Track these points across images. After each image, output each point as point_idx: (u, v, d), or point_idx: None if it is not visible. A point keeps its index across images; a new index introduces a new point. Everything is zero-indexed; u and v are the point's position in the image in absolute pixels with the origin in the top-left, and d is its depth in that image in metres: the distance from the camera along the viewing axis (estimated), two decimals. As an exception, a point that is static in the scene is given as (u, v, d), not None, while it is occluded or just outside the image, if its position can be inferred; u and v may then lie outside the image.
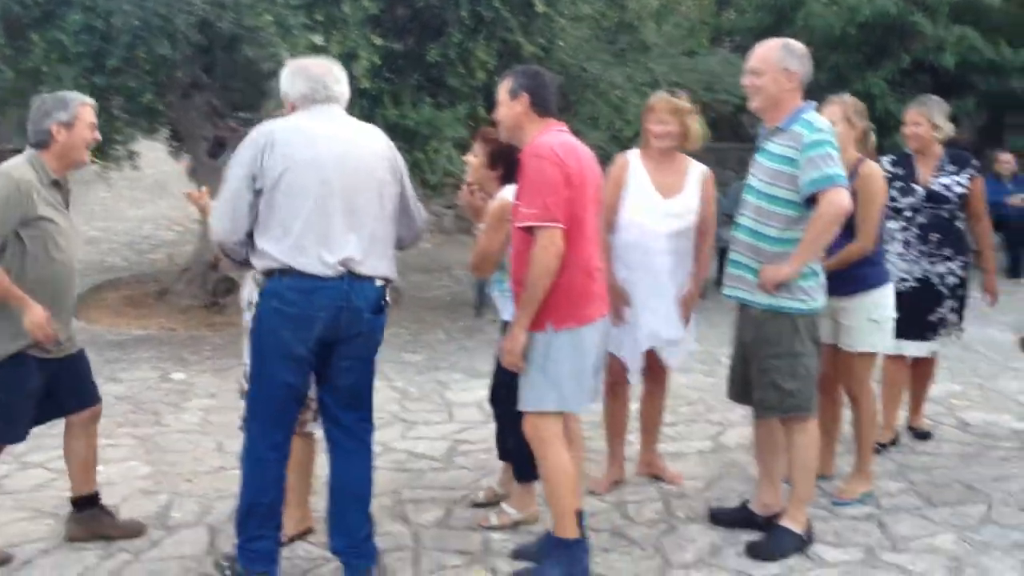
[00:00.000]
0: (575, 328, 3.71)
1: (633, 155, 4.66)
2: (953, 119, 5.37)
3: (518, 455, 4.25)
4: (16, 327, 3.88)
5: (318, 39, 7.31)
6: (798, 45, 4.02)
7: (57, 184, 4.01)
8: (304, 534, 4.22)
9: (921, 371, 5.47)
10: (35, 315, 3.85)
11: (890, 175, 5.04)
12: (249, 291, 4.12)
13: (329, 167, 3.58)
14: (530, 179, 3.64)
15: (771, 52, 3.97)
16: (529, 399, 3.78)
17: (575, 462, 3.86)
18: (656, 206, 4.55)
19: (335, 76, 3.75)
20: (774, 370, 3.97)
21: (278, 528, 3.73)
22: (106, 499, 4.61)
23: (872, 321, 4.48)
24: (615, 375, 4.73)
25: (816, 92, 4.22)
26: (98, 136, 4.10)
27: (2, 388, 3.90)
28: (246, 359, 4.09)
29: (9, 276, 3.82)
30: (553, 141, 3.70)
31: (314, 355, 3.63)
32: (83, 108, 4.02)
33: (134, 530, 4.31)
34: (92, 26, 7.97)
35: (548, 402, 3.74)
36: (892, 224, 5.08)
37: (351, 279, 3.61)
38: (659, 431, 4.97)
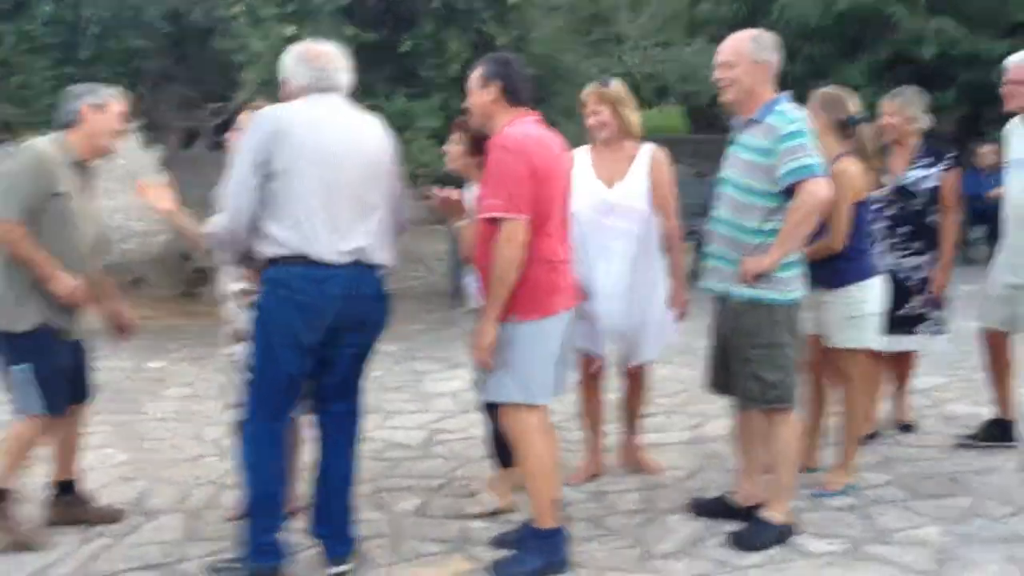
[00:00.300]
0: (538, 320, 3.71)
1: (581, 151, 4.65)
2: (934, 111, 5.37)
3: (495, 441, 4.25)
4: (42, 301, 3.95)
5: (290, 30, 7.29)
6: (768, 36, 4.02)
7: (80, 166, 4.07)
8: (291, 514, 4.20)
9: (901, 365, 5.46)
10: (64, 281, 3.93)
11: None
12: (224, 283, 4.10)
13: (339, 157, 3.58)
14: (495, 170, 3.64)
15: (742, 44, 3.97)
16: (493, 390, 3.79)
17: (551, 452, 3.86)
18: (598, 196, 4.55)
19: (339, 64, 3.73)
20: (755, 361, 3.99)
21: (284, 519, 3.72)
22: (85, 485, 4.59)
23: (849, 318, 4.48)
24: (588, 367, 4.74)
25: (792, 84, 4.23)
26: (124, 128, 4.16)
27: (37, 359, 3.97)
28: (228, 350, 4.08)
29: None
30: (519, 132, 3.69)
31: (320, 343, 3.62)
32: (115, 100, 4.13)
33: (112, 516, 4.32)
34: (62, 17, 7.91)
35: (513, 394, 3.74)
36: None
37: (361, 267, 3.61)
38: (639, 422, 4.98)
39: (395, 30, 7.80)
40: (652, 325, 4.64)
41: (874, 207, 4.98)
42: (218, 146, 9.48)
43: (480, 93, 3.79)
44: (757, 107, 3.96)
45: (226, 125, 9.55)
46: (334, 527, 3.78)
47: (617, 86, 4.61)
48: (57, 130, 4.11)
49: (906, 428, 5.47)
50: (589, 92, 4.62)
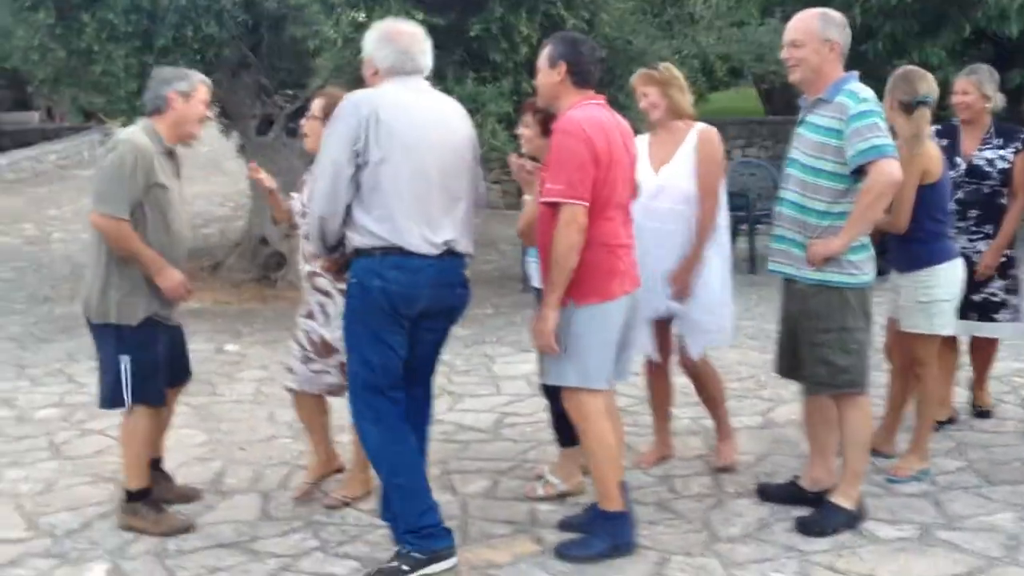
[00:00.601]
0: (597, 304, 3.70)
1: (642, 137, 4.61)
2: (1017, 90, 5.20)
3: (559, 421, 4.28)
4: (149, 293, 4.05)
5: (361, 16, 7.35)
6: (836, 14, 3.96)
7: (171, 153, 4.15)
8: (330, 474, 4.44)
9: (981, 351, 5.32)
10: (171, 276, 4.04)
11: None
12: (301, 264, 4.20)
13: (431, 145, 3.56)
14: (557, 155, 3.63)
15: (810, 23, 3.91)
16: (551, 373, 3.80)
17: (616, 435, 3.87)
18: (646, 180, 4.48)
19: (422, 46, 3.68)
20: (824, 345, 3.93)
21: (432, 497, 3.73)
22: (164, 465, 4.73)
23: (919, 303, 4.39)
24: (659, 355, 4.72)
25: (872, 62, 4.14)
26: (210, 114, 4.21)
27: (142, 351, 4.05)
28: (306, 322, 4.25)
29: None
30: (582, 116, 3.66)
31: (408, 329, 3.63)
32: (202, 85, 4.16)
33: (191, 495, 4.43)
34: (140, 6, 8.09)
35: (571, 378, 3.75)
36: None
37: (450, 258, 3.62)
38: (719, 412, 4.85)
39: (464, 14, 7.81)
40: (704, 309, 4.52)
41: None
42: (292, 133, 9.63)
43: (547, 73, 3.78)
44: (826, 86, 3.90)
45: (300, 112, 9.73)
46: None
47: (665, 68, 4.55)
48: (144, 116, 4.15)
49: (983, 414, 5.34)
50: (636, 76, 4.61)
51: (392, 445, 3.63)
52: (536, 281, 4.24)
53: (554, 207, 3.63)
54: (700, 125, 4.53)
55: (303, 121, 4.36)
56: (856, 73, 3.94)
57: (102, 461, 4.85)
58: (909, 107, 4.34)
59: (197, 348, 7.00)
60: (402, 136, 3.49)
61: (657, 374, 4.81)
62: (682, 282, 4.45)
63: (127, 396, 4.04)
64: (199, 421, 5.52)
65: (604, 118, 3.74)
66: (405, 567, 3.60)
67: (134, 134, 4.03)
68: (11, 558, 3.89)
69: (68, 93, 9.75)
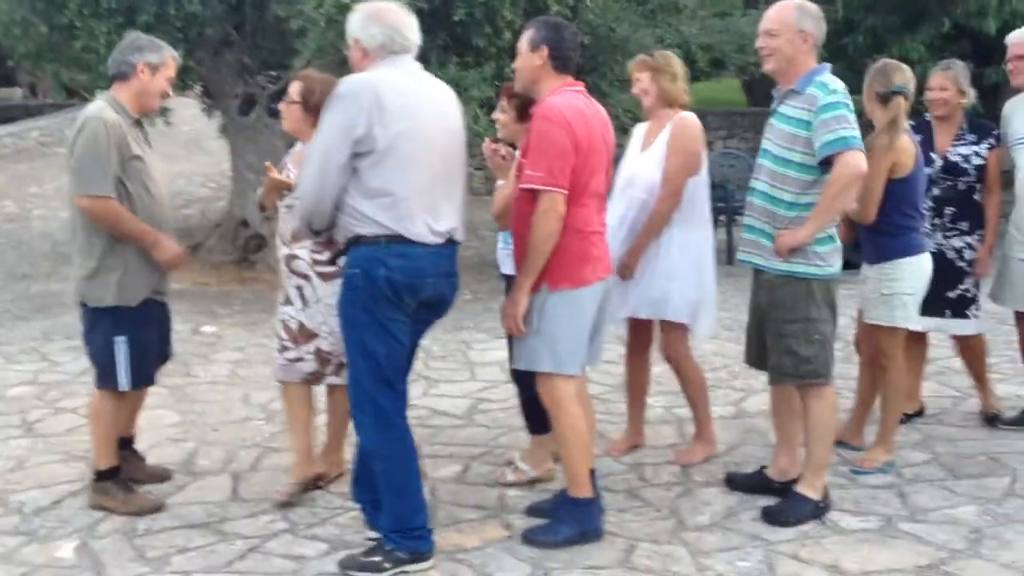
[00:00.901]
0: (570, 289, 3.73)
1: (641, 125, 4.69)
2: (995, 87, 5.24)
3: (529, 408, 4.30)
4: (147, 272, 4.04)
5: (344, -2, 7.31)
6: (812, 6, 3.98)
7: (139, 123, 4.12)
8: (318, 479, 4.30)
9: (970, 350, 5.24)
10: (167, 247, 4.02)
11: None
12: (278, 247, 4.19)
13: (431, 133, 3.50)
14: (537, 141, 3.64)
15: (786, 13, 3.93)
16: (524, 358, 3.82)
17: (587, 422, 3.90)
18: (628, 164, 4.57)
19: (409, 23, 3.59)
20: (789, 336, 3.97)
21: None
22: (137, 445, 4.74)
23: (882, 295, 4.43)
24: (632, 338, 4.75)
25: (853, 55, 4.17)
26: (169, 91, 4.15)
27: (138, 331, 4.04)
28: (282, 308, 4.20)
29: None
30: (563, 103, 3.67)
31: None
32: (171, 60, 4.13)
33: (162, 475, 4.44)
34: (124, -19, 8.05)
35: (544, 362, 3.76)
36: None
37: (450, 247, 3.60)
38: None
39: (448, -1, 7.81)
40: (661, 299, 4.52)
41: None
42: (274, 113, 9.59)
43: (528, 57, 3.77)
44: (797, 77, 3.92)
45: (282, 92, 9.69)
46: (375, 493, 3.79)
47: (661, 55, 4.57)
48: (110, 84, 4.10)
49: (993, 419, 5.15)
50: (632, 62, 4.64)
51: (391, 442, 3.59)
52: (506, 268, 4.26)
53: (532, 193, 3.64)
54: (681, 114, 4.53)
55: (281, 105, 4.33)
56: (828, 65, 3.97)
57: (74, 440, 4.86)
58: (886, 98, 4.37)
59: (174, 329, 6.98)
60: (405, 122, 3.41)
61: (636, 362, 4.83)
62: (626, 266, 4.46)
63: (124, 378, 4.02)
64: (173, 402, 5.53)
65: (583, 105, 3.76)
66: (387, 564, 3.58)
67: (101, 110, 3.97)
68: (-20, 535, 3.90)
69: (50, 69, 9.68)
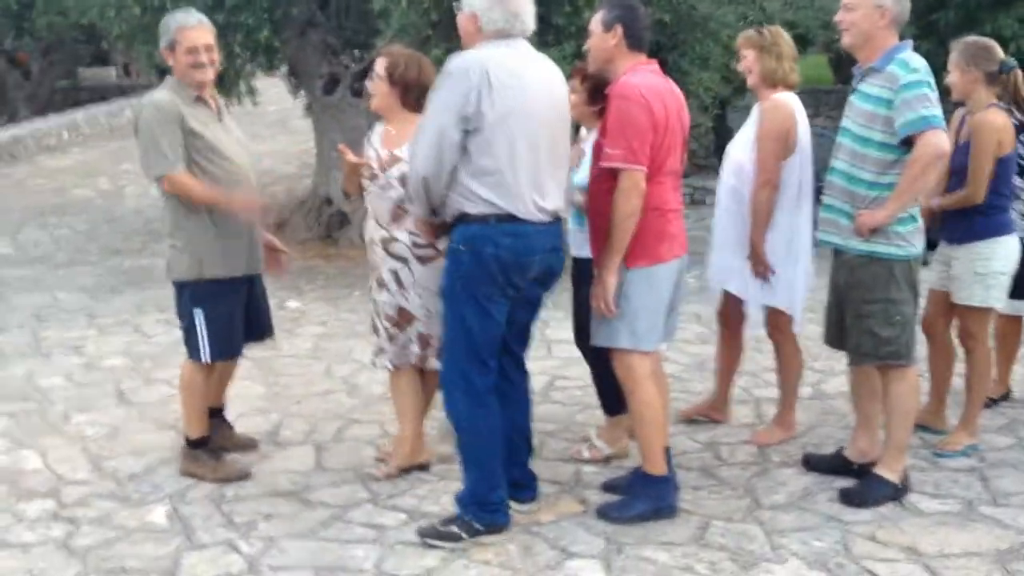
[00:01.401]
0: (647, 267, 3.75)
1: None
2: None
3: (604, 389, 4.33)
4: (227, 248, 4.14)
5: (425, -24, 7.37)
6: None
7: (202, 100, 4.17)
8: (421, 467, 4.33)
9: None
10: (237, 199, 4.05)
11: (1018, 123, 4.75)
12: (372, 228, 4.14)
13: (540, 111, 3.53)
14: (616, 120, 3.65)
15: None
16: (602, 335, 3.84)
17: (662, 399, 3.92)
18: (731, 149, 4.56)
19: (529, 9, 3.61)
20: (869, 316, 3.93)
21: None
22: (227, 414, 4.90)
23: (977, 274, 4.36)
24: (726, 314, 4.75)
25: (943, 32, 4.09)
26: (202, 58, 4.08)
27: (217, 305, 4.15)
28: (378, 296, 4.14)
29: (178, 198, 4.08)
30: (640, 82, 3.68)
31: (512, 298, 3.62)
32: (180, 32, 4.08)
33: (248, 444, 4.58)
34: (213, -36, 8.21)
35: (621, 339, 3.79)
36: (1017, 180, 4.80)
37: (556, 223, 3.65)
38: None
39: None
40: (750, 280, 4.50)
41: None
42: (358, 93, 9.72)
43: (602, 37, 3.78)
44: (877, 54, 3.87)
45: (366, 72, 9.81)
46: (523, 471, 3.91)
47: (770, 32, 4.47)
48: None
49: None
50: (740, 36, 4.57)
51: (479, 418, 3.66)
52: (576, 250, 4.25)
53: (611, 172, 3.66)
54: (773, 96, 4.43)
55: (367, 83, 4.36)
56: (909, 42, 3.91)
57: (166, 409, 5.03)
58: (994, 76, 4.33)
59: (260, 303, 7.22)
60: (514, 101, 3.44)
61: (728, 339, 4.83)
62: (757, 263, 4.42)
63: (204, 350, 4.16)
64: (259, 374, 5.68)
65: (659, 84, 3.77)
66: (463, 534, 3.67)
67: (154, 94, 4.11)
68: (77, 498, 4.08)
69: (143, 50, 9.91)
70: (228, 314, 4.21)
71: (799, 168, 4.41)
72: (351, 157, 4.12)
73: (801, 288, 4.52)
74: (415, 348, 4.15)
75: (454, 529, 3.69)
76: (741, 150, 4.48)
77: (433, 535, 3.70)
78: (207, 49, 4.11)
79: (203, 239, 4.12)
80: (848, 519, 3.87)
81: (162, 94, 4.11)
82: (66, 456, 4.47)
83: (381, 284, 4.12)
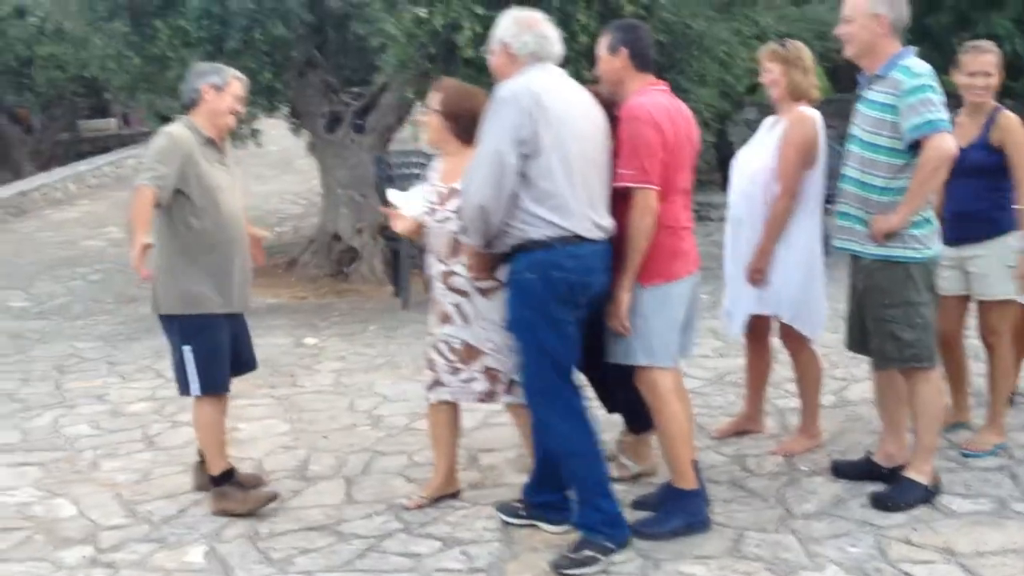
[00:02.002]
0: (662, 284, 3.79)
1: (771, 119, 4.68)
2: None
3: (627, 407, 4.35)
4: (214, 284, 4.19)
5: (422, 12, 7.46)
6: None
7: (212, 143, 4.29)
8: (452, 496, 4.34)
9: None
10: (135, 245, 3.96)
11: None
12: (431, 263, 4.10)
13: (587, 130, 3.61)
14: (627, 141, 3.69)
15: None
16: (618, 352, 3.87)
17: (685, 414, 3.94)
18: (740, 156, 4.60)
19: (555, 33, 3.72)
20: (890, 320, 3.96)
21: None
22: (249, 454, 4.97)
23: (1008, 267, 4.39)
24: (751, 326, 4.76)
25: (937, 35, 4.14)
26: (241, 110, 4.34)
27: (204, 339, 4.21)
28: (435, 329, 4.11)
29: (177, 228, 4.12)
30: (649, 103, 3.73)
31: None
32: (235, 80, 4.31)
33: (254, 482, 4.55)
34: (211, 11, 8.32)
35: (638, 356, 3.82)
36: None
37: (608, 241, 3.69)
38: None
39: (523, 5, 7.90)
40: (764, 291, 4.51)
41: None
42: (360, 129, 9.83)
43: (609, 60, 3.85)
44: (880, 61, 3.93)
45: (367, 109, 9.93)
46: (559, 493, 3.89)
47: (793, 46, 4.54)
48: (183, 111, 4.33)
49: None
50: (764, 50, 4.61)
51: (582, 436, 3.68)
52: None
53: (625, 192, 3.71)
54: (799, 108, 4.47)
55: (422, 116, 4.34)
56: (913, 48, 3.96)
57: (192, 451, 5.04)
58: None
59: (278, 342, 7.26)
60: (566, 122, 3.53)
61: (754, 349, 4.86)
62: (756, 271, 4.46)
63: (193, 383, 4.22)
64: (282, 411, 5.71)
65: (668, 104, 3.82)
66: (599, 556, 3.66)
67: (172, 127, 4.24)
68: (113, 543, 4.09)
69: (144, 99, 10.03)
70: (216, 348, 4.27)
71: (818, 180, 4.46)
72: (404, 220, 4.12)
73: (823, 299, 4.54)
74: (480, 384, 4.06)
75: (589, 553, 3.66)
76: (757, 159, 4.51)
77: (568, 564, 3.66)
78: (244, 102, 4.37)
79: (194, 275, 4.19)
80: (882, 523, 3.88)
81: (179, 128, 4.22)
82: (99, 502, 4.49)
83: (445, 318, 4.07)
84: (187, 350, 4.21)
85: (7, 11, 15.13)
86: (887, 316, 3.97)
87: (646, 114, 3.70)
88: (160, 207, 4.09)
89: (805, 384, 4.73)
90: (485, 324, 3.99)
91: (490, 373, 4.03)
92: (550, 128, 3.49)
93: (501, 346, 3.95)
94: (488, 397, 4.08)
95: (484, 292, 3.97)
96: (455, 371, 4.08)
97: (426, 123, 4.20)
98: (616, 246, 3.75)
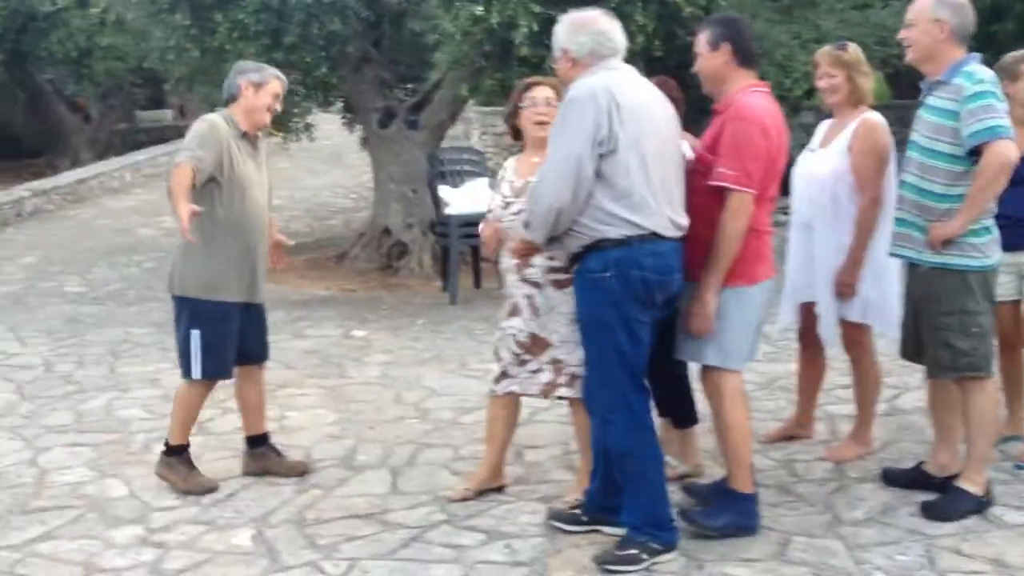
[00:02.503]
0: (743, 287, 3.75)
1: (825, 123, 4.63)
2: None
3: (673, 403, 4.34)
4: (234, 273, 4.32)
5: (479, 9, 7.47)
6: None
7: (247, 137, 4.40)
8: (497, 490, 4.35)
9: None
10: (183, 213, 4.00)
11: None
12: (503, 260, 4.11)
13: (661, 127, 3.58)
14: (734, 141, 3.63)
15: (922, 3, 3.90)
16: (688, 350, 3.85)
17: (748, 417, 3.91)
18: (804, 161, 4.53)
19: (614, 27, 3.67)
20: (946, 329, 3.91)
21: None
22: (298, 442, 5.01)
23: None
24: (804, 329, 4.72)
25: (1002, 43, 4.09)
26: (279, 108, 4.46)
27: (213, 326, 4.33)
28: (504, 323, 4.10)
29: (202, 214, 4.16)
30: (759, 106, 3.69)
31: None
32: (274, 79, 4.43)
33: (299, 469, 4.63)
34: (269, 5, 8.40)
35: (711, 357, 3.79)
36: None
37: (681, 239, 3.65)
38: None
39: (580, 6, 7.89)
40: (823, 297, 4.46)
41: None
42: (413, 125, 9.87)
43: (710, 56, 3.78)
44: (942, 67, 3.89)
45: (420, 105, 9.98)
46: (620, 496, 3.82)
47: (853, 49, 4.48)
48: (224, 104, 4.44)
49: None
50: (824, 54, 4.51)
51: (644, 440, 3.67)
52: None
53: (718, 190, 3.65)
54: (867, 114, 4.42)
55: (525, 113, 4.10)
56: (977, 55, 3.91)
57: (242, 437, 5.11)
58: None
59: (327, 333, 7.33)
60: (642, 119, 3.50)
61: (808, 354, 4.81)
62: (842, 285, 4.39)
63: (196, 368, 4.34)
64: (331, 402, 5.76)
65: (774, 110, 3.78)
66: (644, 555, 3.62)
67: (212, 115, 4.38)
68: (163, 524, 4.16)
69: (202, 91, 10.16)
70: (223, 337, 4.36)
71: (891, 185, 4.39)
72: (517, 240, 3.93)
73: (897, 298, 4.44)
74: (545, 375, 4.04)
75: (633, 552, 3.63)
76: (824, 164, 4.44)
77: (612, 560, 3.65)
78: (281, 99, 4.47)
79: (213, 262, 4.29)
80: (931, 533, 3.83)
81: (218, 118, 4.35)
82: (150, 484, 4.55)
83: (514, 311, 4.07)
84: (195, 334, 4.32)
85: (70, 2, 15.39)
86: (943, 324, 3.92)
87: (756, 118, 3.66)
88: (193, 188, 4.16)
89: (862, 391, 4.66)
90: (555, 316, 3.97)
91: (556, 364, 4.02)
92: (626, 125, 3.45)
93: (568, 337, 3.93)
94: (549, 389, 4.06)
95: (558, 284, 3.95)
96: (523, 362, 4.07)
97: (539, 117, 4.02)
98: (703, 242, 3.66)
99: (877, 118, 4.41)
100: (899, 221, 4.06)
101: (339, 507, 4.27)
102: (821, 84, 4.51)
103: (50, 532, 4.11)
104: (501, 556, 3.79)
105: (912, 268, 4.07)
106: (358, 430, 5.26)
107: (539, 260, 3.92)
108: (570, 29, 3.67)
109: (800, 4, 9.04)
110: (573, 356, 3.94)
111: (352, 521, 4.12)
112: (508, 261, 4.07)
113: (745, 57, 3.77)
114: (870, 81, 4.46)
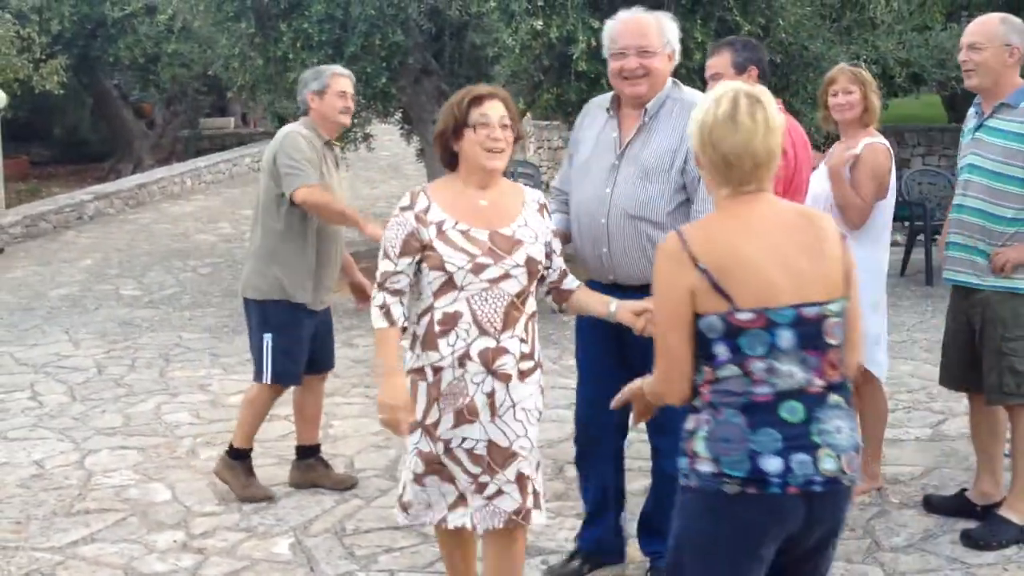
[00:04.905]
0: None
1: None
2: None
3: None
4: (307, 279, 4.37)
5: (539, 24, 7.53)
6: (1017, 20, 3.91)
7: (328, 145, 4.49)
8: None
9: None
10: (375, 227, 4.13)
11: None
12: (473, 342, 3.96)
13: None
14: None
15: (992, 26, 3.87)
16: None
17: None
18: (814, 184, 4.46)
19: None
20: (1011, 354, 3.87)
21: None
22: (341, 451, 5.07)
23: None
24: None
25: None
26: (350, 103, 4.46)
27: (285, 331, 4.38)
28: (450, 434, 3.29)
29: (289, 220, 4.30)
30: (786, 122, 3.71)
31: None
32: (334, 78, 4.43)
33: (347, 482, 4.67)
34: (333, 15, 8.54)
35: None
36: None
37: None
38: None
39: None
40: None
41: None
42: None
43: (739, 79, 3.82)
44: (1006, 91, 3.86)
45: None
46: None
47: (864, 69, 4.49)
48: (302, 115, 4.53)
49: None
50: (843, 70, 4.46)
51: None
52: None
53: None
54: (873, 138, 4.40)
55: (479, 131, 4.03)
56: None
57: (287, 444, 5.18)
58: None
59: (373, 342, 7.36)
60: None
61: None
62: None
63: (267, 372, 4.39)
64: (375, 411, 5.79)
65: (792, 124, 3.83)
66: None
67: (293, 126, 4.42)
68: (205, 529, 4.24)
69: (265, 100, 10.33)
70: (295, 342, 4.41)
71: (888, 211, 4.40)
72: None
73: (885, 333, 4.42)
74: (509, 502, 3.15)
75: None
76: (818, 183, 4.38)
77: None
78: (352, 96, 4.47)
79: (289, 266, 4.34)
80: (972, 561, 3.79)
81: (301, 128, 4.39)
82: (194, 489, 4.65)
83: (470, 414, 3.17)
84: (267, 338, 4.37)
85: (138, 8, 15.74)
86: (1008, 349, 3.88)
87: (798, 134, 3.76)
88: (290, 201, 4.25)
89: (869, 421, 4.35)
90: (520, 415, 3.12)
91: (521, 482, 3.13)
92: None
93: (531, 445, 3.17)
94: (522, 518, 3.15)
95: (523, 375, 3.15)
96: (480, 487, 3.13)
97: None
98: None
99: (883, 143, 4.40)
100: (955, 246, 4.02)
101: (379, 518, 4.31)
102: (838, 100, 4.41)
103: (92, 535, 4.22)
104: (538, 572, 3.82)
105: (967, 294, 4.02)
106: (401, 441, 5.29)
107: (517, 344, 3.13)
108: (670, 28, 3.68)
109: (860, 25, 8.94)
110: (535, 467, 3.19)
111: (391, 532, 4.17)
112: (474, 345, 3.09)
113: (766, 80, 3.83)
114: (879, 102, 4.43)
